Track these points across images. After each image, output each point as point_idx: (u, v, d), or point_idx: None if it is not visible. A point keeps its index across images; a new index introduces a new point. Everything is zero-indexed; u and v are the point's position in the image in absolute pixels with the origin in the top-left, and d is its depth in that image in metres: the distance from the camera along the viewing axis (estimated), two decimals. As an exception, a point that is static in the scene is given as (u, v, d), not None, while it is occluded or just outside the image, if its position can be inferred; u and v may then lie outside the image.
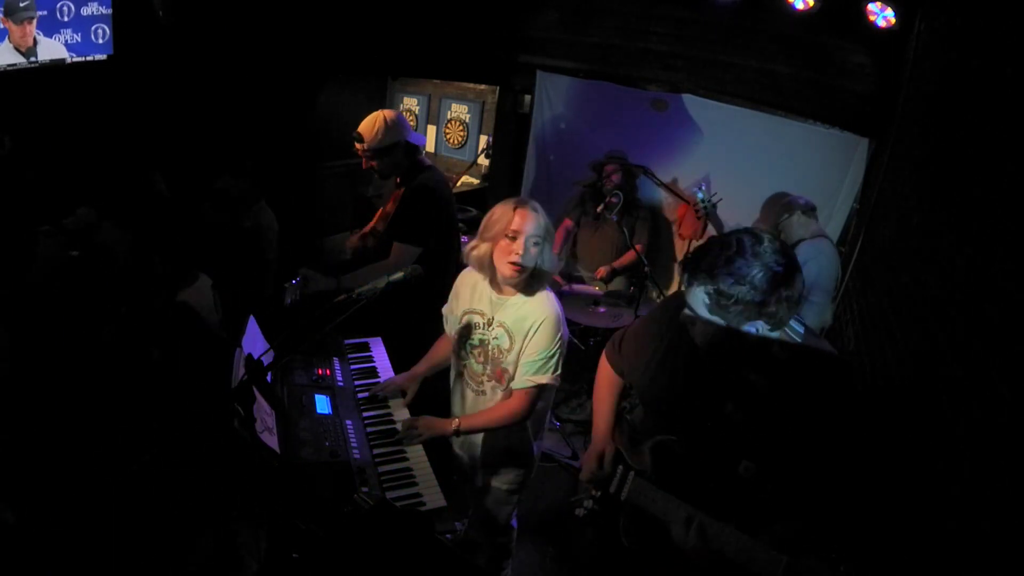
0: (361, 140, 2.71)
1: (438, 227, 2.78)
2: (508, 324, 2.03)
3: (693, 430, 1.58)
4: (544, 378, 1.99)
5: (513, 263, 1.92)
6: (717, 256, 1.35)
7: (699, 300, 1.39)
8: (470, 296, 2.13)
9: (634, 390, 1.86)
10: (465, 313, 2.12)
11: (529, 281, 2.01)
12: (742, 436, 1.50)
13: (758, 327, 1.39)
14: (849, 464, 1.46)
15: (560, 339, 2.00)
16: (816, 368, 1.49)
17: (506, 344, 2.04)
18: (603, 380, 1.93)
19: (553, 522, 3.02)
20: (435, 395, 2.35)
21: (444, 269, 2.64)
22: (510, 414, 2.04)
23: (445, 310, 2.25)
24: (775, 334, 1.44)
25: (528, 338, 2.00)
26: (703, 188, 3.85)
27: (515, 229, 1.92)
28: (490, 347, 2.07)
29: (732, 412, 1.51)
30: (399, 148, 2.72)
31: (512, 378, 2.05)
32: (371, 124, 2.69)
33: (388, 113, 2.72)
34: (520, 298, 2.03)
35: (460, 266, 2.19)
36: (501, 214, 1.97)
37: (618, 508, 1.71)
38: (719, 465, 1.53)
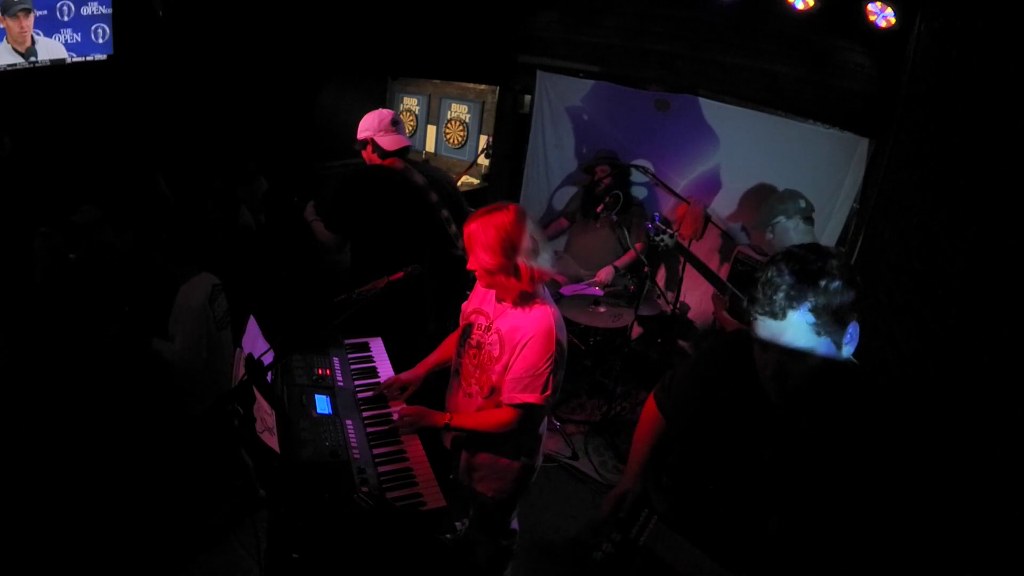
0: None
1: (354, 217, 2.89)
2: (503, 332, 1.99)
3: (725, 475, 1.46)
4: (531, 397, 1.94)
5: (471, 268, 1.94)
6: (801, 276, 1.21)
7: (802, 325, 1.22)
8: (483, 295, 2.12)
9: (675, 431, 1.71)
10: (474, 311, 2.13)
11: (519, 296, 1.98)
12: (776, 487, 1.38)
13: (850, 332, 1.26)
14: (889, 530, 1.31)
15: (551, 359, 1.93)
16: (871, 428, 1.31)
17: (496, 352, 2.01)
18: (645, 420, 1.77)
19: (552, 524, 3.02)
20: (436, 394, 2.35)
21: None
22: (497, 424, 2.02)
23: (464, 305, 2.22)
24: (842, 354, 1.28)
25: (516, 353, 1.95)
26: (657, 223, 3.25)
27: (467, 244, 1.92)
28: (483, 351, 2.05)
29: (770, 459, 1.39)
30: (368, 144, 2.91)
31: (495, 387, 2.01)
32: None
33: (378, 111, 2.90)
34: (517, 308, 1.99)
35: (441, 261, 2.17)
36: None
37: (634, 553, 1.58)
38: (746, 517, 1.42)
